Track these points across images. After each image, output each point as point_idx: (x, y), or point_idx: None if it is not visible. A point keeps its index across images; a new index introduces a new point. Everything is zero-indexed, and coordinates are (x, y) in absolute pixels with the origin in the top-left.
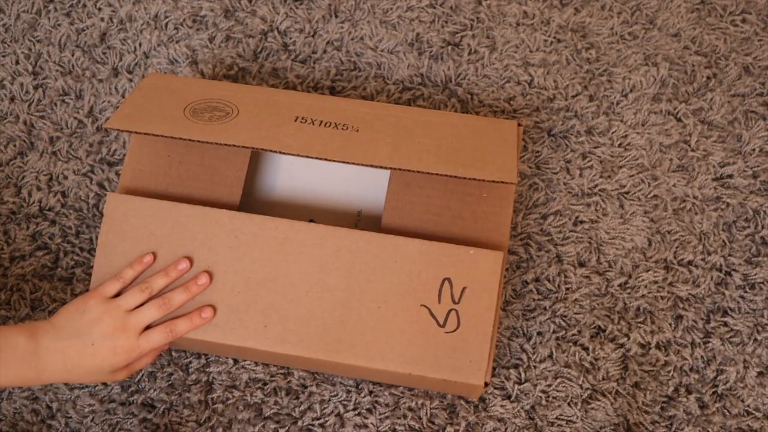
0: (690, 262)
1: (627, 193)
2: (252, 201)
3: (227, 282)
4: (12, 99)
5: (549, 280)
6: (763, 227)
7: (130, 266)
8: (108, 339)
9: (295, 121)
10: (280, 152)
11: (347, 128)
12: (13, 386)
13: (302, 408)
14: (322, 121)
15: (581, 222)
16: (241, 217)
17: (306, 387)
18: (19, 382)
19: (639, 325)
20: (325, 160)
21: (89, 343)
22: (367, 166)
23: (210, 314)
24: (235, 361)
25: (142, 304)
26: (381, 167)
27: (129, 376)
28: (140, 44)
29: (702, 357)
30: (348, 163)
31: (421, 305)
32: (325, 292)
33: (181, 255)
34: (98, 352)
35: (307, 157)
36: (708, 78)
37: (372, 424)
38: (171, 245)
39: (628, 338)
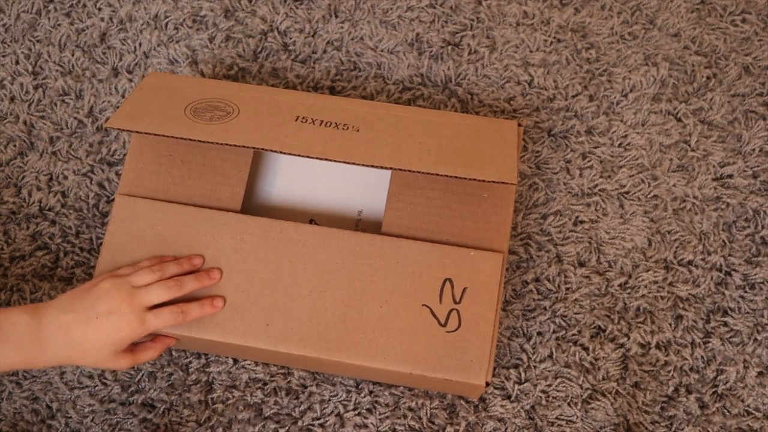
0: (690, 262)
1: (627, 193)
2: (253, 200)
3: (231, 281)
4: (12, 99)
5: (549, 280)
6: (763, 227)
7: (147, 260)
8: (113, 313)
9: (296, 120)
10: (280, 152)
11: (348, 128)
12: (16, 367)
13: (302, 408)
14: (322, 121)
15: (581, 222)
16: (246, 219)
17: (306, 387)
18: (21, 361)
19: (639, 325)
20: (326, 160)
21: (94, 316)
22: (367, 166)
23: (221, 304)
24: (235, 361)
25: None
26: (381, 167)
27: (132, 365)
28: (140, 44)
29: (702, 357)
30: (349, 163)
31: (423, 305)
32: (327, 292)
33: (186, 255)
34: (102, 325)
35: (308, 157)
36: (708, 78)
37: (372, 424)
38: (177, 246)
39: (628, 338)
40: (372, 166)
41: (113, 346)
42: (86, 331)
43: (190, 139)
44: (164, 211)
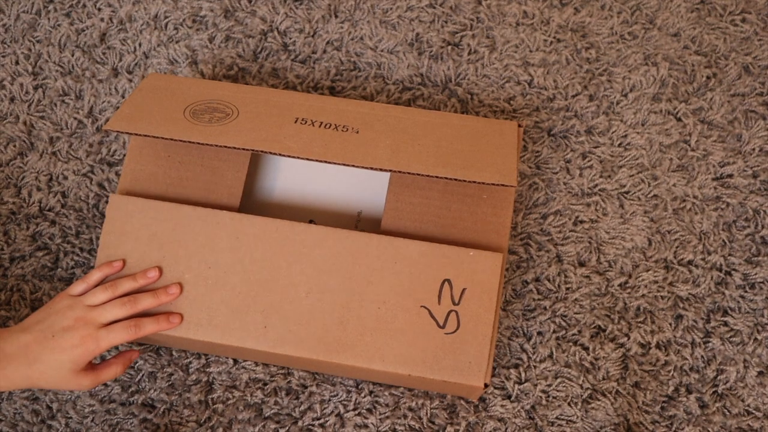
0: (690, 262)
1: (627, 192)
2: (252, 201)
3: (228, 282)
4: (12, 99)
5: (549, 280)
6: (763, 227)
7: (97, 268)
8: (68, 331)
9: (295, 122)
10: (280, 154)
11: (347, 129)
12: None
13: (302, 408)
14: (322, 123)
15: (581, 222)
16: (241, 218)
17: (306, 387)
18: None
19: (639, 324)
20: (325, 162)
21: (50, 335)
22: (366, 168)
23: (178, 320)
24: (235, 361)
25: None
26: (381, 169)
27: (95, 385)
28: (140, 44)
29: (702, 357)
30: (348, 165)
31: (421, 306)
32: (325, 293)
33: (182, 255)
34: (58, 344)
35: (307, 159)
36: (708, 78)
37: (372, 424)
38: (172, 246)
39: (628, 338)
40: (371, 169)
41: (70, 364)
42: (43, 350)
43: (189, 141)
44: (158, 210)
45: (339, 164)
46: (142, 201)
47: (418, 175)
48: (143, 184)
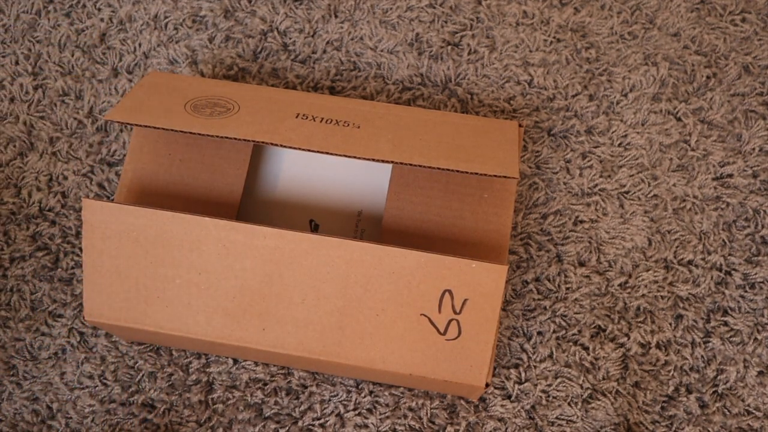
0: (690, 262)
1: (627, 192)
2: (253, 200)
3: (220, 287)
4: (12, 99)
5: (549, 280)
6: (763, 227)
7: None
8: None
9: (296, 117)
10: (281, 145)
11: (348, 125)
12: None
13: (302, 408)
14: (323, 118)
15: (581, 222)
16: (225, 226)
17: (306, 387)
18: None
19: (639, 324)
20: (327, 153)
21: None
22: (368, 160)
23: None
24: (235, 361)
25: None
26: (382, 161)
27: None
28: (140, 44)
29: (702, 356)
30: (349, 157)
31: (421, 314)
32: (321, 300)
33: (169, 261)
34: None
35: (309, 150)
36: (708, 77)
37: (372, 424)
38: (157, 251)
39: (629, 338)
40: (373, 160)
41: None
42: None
43: (190, 132)
44: (136, 216)
45: (340, 156)
46: (118, 206)
47: (420, 166)
48: (144, 182)
